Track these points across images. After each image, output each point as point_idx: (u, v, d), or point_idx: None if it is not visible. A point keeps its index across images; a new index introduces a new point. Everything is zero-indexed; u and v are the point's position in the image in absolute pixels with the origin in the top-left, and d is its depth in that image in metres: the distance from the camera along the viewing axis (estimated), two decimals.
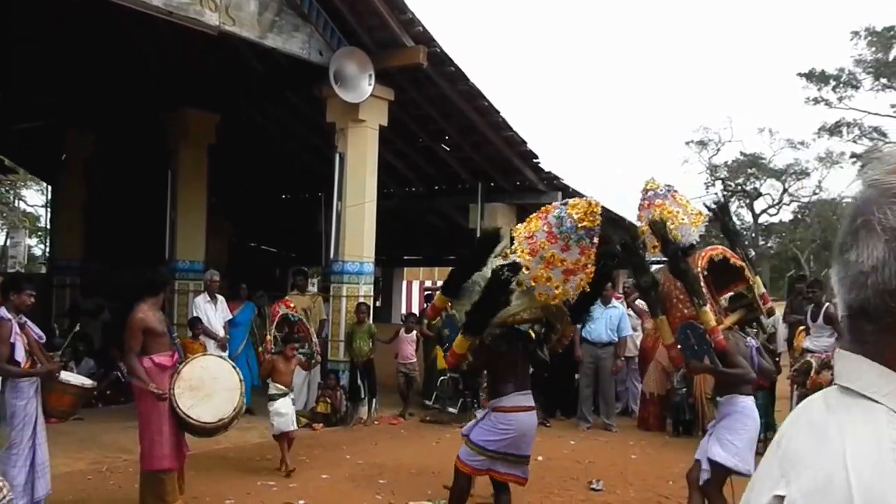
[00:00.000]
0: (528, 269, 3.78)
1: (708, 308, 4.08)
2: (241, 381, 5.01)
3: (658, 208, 4.40)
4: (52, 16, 8.51)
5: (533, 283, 3.82)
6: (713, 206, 4.88)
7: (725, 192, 30.26)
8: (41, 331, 4.79)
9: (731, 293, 4.45)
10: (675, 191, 4.66)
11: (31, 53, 9.43)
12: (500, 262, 3.92)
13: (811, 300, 7.38)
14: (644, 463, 6.71)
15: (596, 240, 3.75)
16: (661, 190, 4.57)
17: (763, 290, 4.48)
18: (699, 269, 4.16)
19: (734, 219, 5.14)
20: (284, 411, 5.96)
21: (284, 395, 6.03)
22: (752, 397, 4.27)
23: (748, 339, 4.44)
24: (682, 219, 4.35)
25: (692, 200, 4.81)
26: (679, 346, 4.22)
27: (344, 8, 7.78)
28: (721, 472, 4.17)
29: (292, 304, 6.73)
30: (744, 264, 4.42)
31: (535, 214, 4.00)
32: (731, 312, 4.48)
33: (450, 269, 4.51)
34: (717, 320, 4.13)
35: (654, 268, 4.69)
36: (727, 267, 4.35)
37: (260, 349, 6.84)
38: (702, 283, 4.11)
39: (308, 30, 7.76)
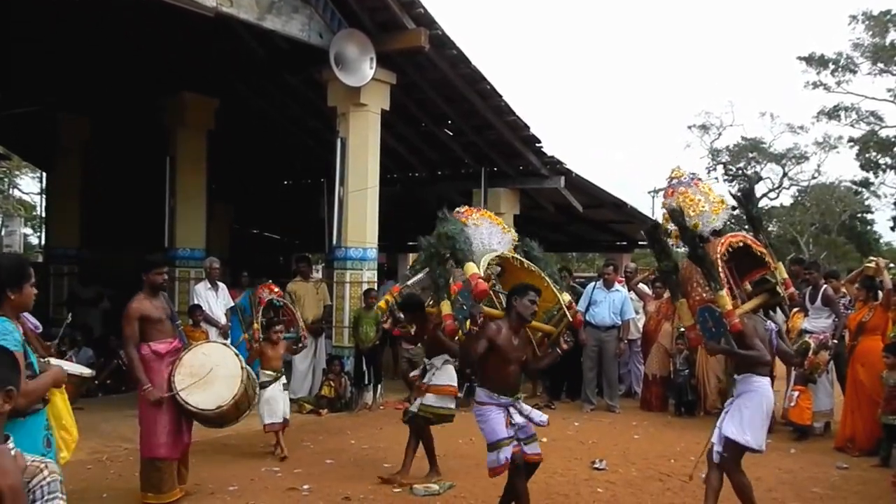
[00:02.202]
0: None
1: (724, 292, 4.17)
2: (242, 367, 4.92)
3: (681, 196, 4.49)
4: (48, 2, 8.42)
5: None
6: (737, 194, 4.96)
7: (728, 178, 30.29)
8: (38, 321, 4.71)
9: (756, 278, 4.53)
10: (700, 179, 4.75)
11: (27, 42, 9.31)
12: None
13: (808, 282, 7.39)
14: (646, 443, 6.73)
15: None
16: (686, 178, 4.67)
17: (785, 276, 4.56)
18: (718, 255, 4.24)
19: (757, 205, 5.33)
20: (276, 400, 5.88)
21: (275, 380, 5.94)
22: (768, 378, 4.30)
23: (768, 322, 4.47)
24: (704, 207, 4.43)
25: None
26: (698, 328, 4.30)
27: None
28: (735, 449, 4.21)
29: (276, 289, 6.63)
30: (765, 251, 4.48)
31: None
32: (755, 296, 4.53)
33: None
34: (733, 304, 4.20)
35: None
36: (750, 253, 4.43)
37: (246, 336, 6.77)
38: (719, 269, 4.19)
39: (308, 11, 7.64)
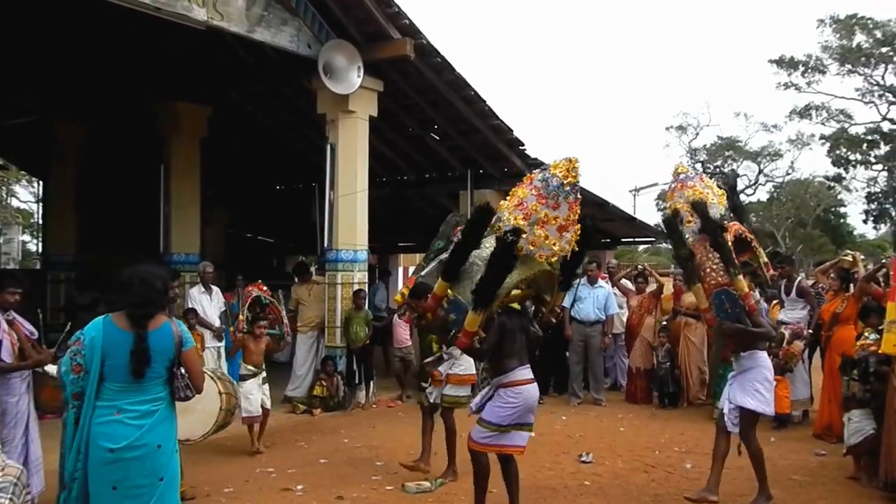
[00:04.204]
0: (524, 233, 3.87)
1: (741, 277, 4.50)
2: (221, 409, 4.89)
3: (690, 189, 4.83)
4: (42, 11, 8.32)
5: (532, 247, 3.91)
6: (723, 187, 5.22)
7: (722, 175, 30.69)
8: (33, 326, 4.62)
9: (741, 261, 4.84)
10: (703, 173, 5.31)
11: (24, 52, 9.20)
12: (493, 239, 3.95)
13: (782, 275, 7.44)
14: (632, 435, 6.71)
15: (579, 195, 3.91)
16: (691, 173, 5.08)
17: (766, 259, 4.96)
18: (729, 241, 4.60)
19: (740, 197, 5.72)
20: (253, 394, 5.89)
21: (255, 375, 5.96)
22: (766, 350, 4.73)
23: (762, 301, 5.05)
24: (712, 199, 4.79)
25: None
26: (714, 310, 4.62)
27: (331, 1, 7.64)
28: (752, 417, 4.62)
29: (265, 288, 6.58)
30: (753, 238, 4.89)
31: (517, 187, 4.12)
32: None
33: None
34: (749, 286, 4.55)
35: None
36: (740, 239, 4.83)
37: (231, 328, 6.75)
38: (734, 255, 4.53)
39: (296, 23, 7.61)
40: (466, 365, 5.37)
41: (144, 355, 3.00)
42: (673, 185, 5.07)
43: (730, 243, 4.59)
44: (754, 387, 4.58)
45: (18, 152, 14.14)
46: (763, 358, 4.65)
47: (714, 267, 4.61)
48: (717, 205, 4.81)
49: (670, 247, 5.31)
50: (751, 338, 4.62)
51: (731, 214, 5.18)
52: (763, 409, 4.59)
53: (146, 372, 3.03)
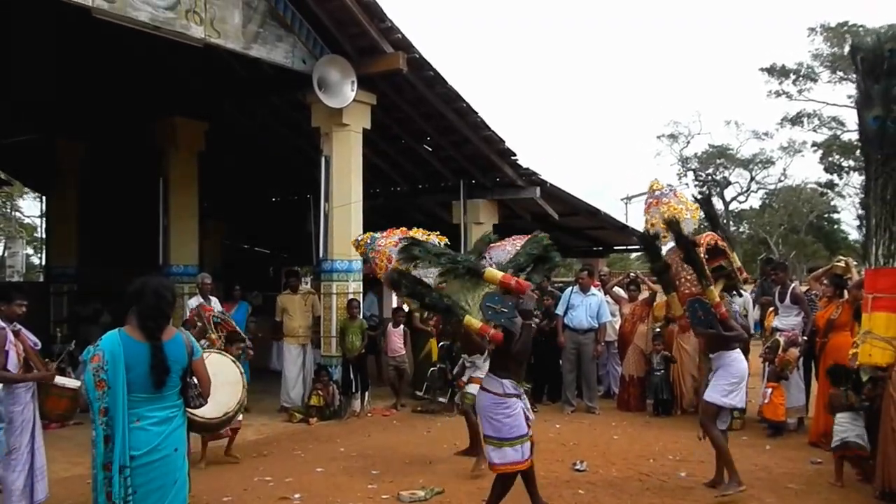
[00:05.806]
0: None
1: (713, 287, 4.81)
2: (241, 373, 5.03)
3: (665, 206, 5.13)
4: (40, 29, 8.39)
5: None
6: (698, 199, 5.55)
7: (698, 182, 30.90)
8: (37, 338, 4.68)
9: (714, 265, 5.14)
10: (676, 189, 5.50)
11: (25, 72, 9.26)
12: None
13: (776, 281, 7.43)
14: (625, 443, 6.69)
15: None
16: (666, 189, 5.35)
17: (739, 263, 5.25)
18: (701, 255, 4.88)
19: (714, 207, 6.33)
20: None
21: None
22: (737, 349, 4.99)
23: (733, 304, 5.31)
24: (686, 214, 5.10)
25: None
26: (688, 316, 4.97)
27: (325, 18, 7.71)
28: (710, 408, 4.97)
29: (210, 309, 6.59)
30: (725, 244, 5.16)
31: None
32: (717, 281, 5.12)
33: None
34: (720, 296, 4.88)
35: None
36: (715, 247, 5.13)
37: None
38: (706, 268, 4.82)
39: (291, 39, 7.68)
40: (485, 369, 5.60)
41: (163, 365, 3.10)
42: (649, 201, 5.27)
43: (702, 255, 4.86)
44: (718, 383, 4.91)
45: (21, 169, 14.23)
46: (731, 357, 4.92)
47: (689, 278, 4.93)
48: (691, 219, 5.08)
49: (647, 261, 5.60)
50: (723, 340, 4.94)
51: (708, 224, 5.33)
52: (722, 401, 4.89)
53: (166, 381, 3.13)
